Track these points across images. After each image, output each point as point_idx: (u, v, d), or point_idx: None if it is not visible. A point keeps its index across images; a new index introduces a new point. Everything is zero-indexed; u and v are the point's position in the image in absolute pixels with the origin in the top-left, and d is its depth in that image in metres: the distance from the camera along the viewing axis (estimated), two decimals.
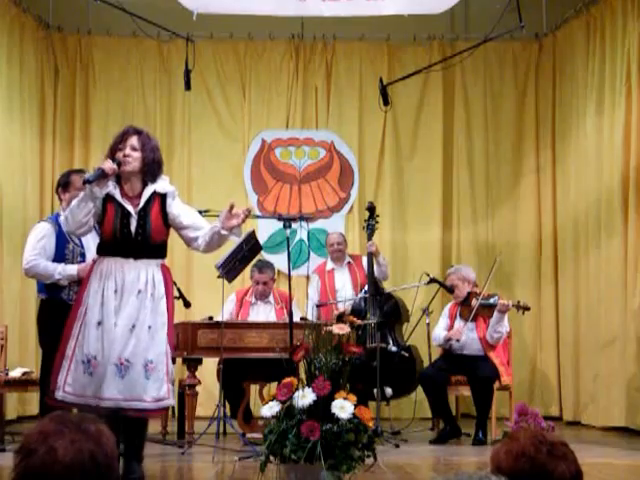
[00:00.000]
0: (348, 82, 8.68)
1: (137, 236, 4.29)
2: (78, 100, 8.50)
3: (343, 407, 3.73)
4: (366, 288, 6.94)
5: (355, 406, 3.77)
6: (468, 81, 8.68)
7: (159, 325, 4.26)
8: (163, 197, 4.38)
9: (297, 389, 3.79)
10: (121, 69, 8.60)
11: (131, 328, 4.19)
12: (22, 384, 5.92)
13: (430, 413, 6.90)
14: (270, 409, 3.81)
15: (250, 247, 5.87)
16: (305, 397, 3.72)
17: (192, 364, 5.83)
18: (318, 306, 7.01)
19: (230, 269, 5.76)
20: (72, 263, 5.04)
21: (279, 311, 6.72)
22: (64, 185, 5.23)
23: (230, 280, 5.94)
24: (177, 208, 4.41)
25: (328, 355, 3.87)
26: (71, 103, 8.51)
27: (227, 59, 8.68)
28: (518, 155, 8.63)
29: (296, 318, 5.88)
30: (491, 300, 6.38)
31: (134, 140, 4.33)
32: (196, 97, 8.43)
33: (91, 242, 5.10)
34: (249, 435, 5.98)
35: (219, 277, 5.78)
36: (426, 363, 6.87)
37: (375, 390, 6.12)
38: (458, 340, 6.37)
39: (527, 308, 6.41)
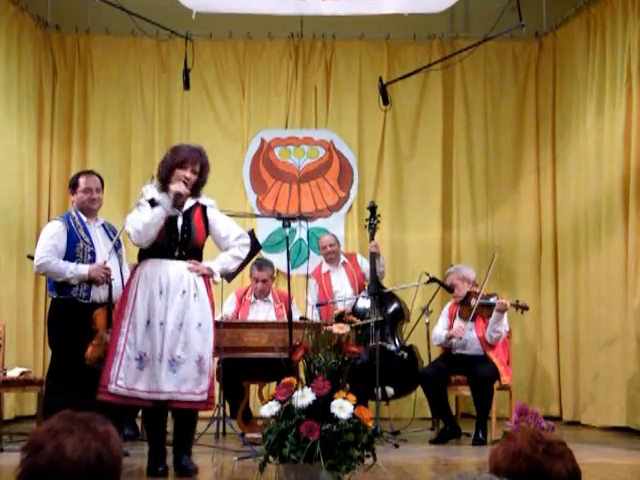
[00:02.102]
0: (347, 81, 8.67)
1: (183, 234, 4.60)
2: (76, 99, 8.49)
3: (342, 407, 3.71)
4: (366, 288, 6.93)
5: (355, 406, 3.75)
6: (468, 80, 8.66)
7: (207, 323, 4.57)
8: (204, 207, 4.75)
9: (296, 389, 3.77)
10: (120, 68, 8.59)
11: (179, 326, 4.46)
12: (20, 384, 5.90)
13: (430, 413, 6.88)
14: (269, 409, 3.79)
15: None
16: (304, 397, 3.71)
17: None
18: (318, 305, 7.00)
19: None
20: (82, 262, 5.07)
21: (278, 310, 6.71)
22: (73, 187, 5.29)
23: (229, 280, 5.93)
24: (216, 217, 4.77)
25: (327, 355, 3.85)
26: (69, 102, 8.49)
27: (226, 58, 8.67)
28: (518, 154, 8.62)
29: (296, 318, 5.86)
30: (490, 300, 6.37)
31: (197, 165, 4.64)
32: (195, 96, 8.41)
33: (101, 242, 5.21)
34: (248, 435, 5.97)
35: None
36: (426, 363, 6.86)
37: (375, 390, 6.11)
38: (460, 338, 6.35)
39: (526, 308, 6.40)
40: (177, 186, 4.55)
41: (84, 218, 5.20)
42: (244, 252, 4.85)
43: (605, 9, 7.37)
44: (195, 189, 4.67)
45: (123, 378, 4.43)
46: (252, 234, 5.94)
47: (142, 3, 7.60)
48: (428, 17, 7.94)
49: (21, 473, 1.59)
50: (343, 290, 7.17)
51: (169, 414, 4.69)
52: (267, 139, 8.62)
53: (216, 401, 5.95)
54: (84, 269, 5.02)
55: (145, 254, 4.63)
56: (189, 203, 4.69)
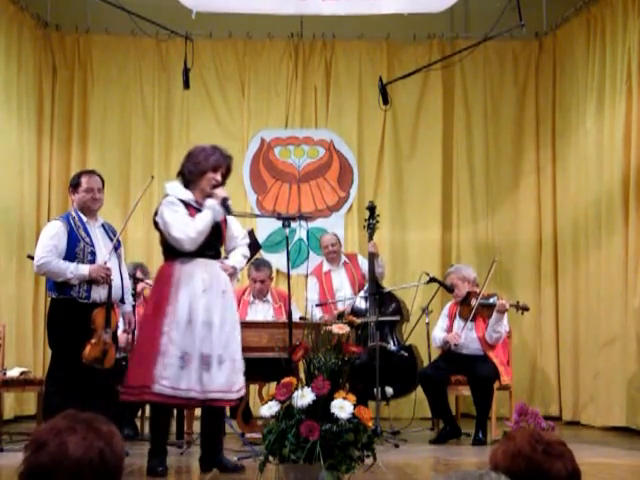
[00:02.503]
0: (347, 81, 8.66)
1: (218, 235, 4.72)
2: (76, 99, 8.48)
3: (342, 407, 3.71)
4: (366, 288, 6.92)
5: (354, 406, 3.75)
6: (468, 80, 8.66)
7: (236, 321, 4.71)
8: None
9: (296, 389, 3.77)
10: (119, 68, 8.58)
11: (221, 325, 4.55)
12: (20, 384, 5.89)
13: (430, 413, 6.88)
14: (269, 409, 3.79)
15: (249, 246, 5.84)
16: (304, 397, 3.70)
17: None
18: (318, 305, 6.99)
19: None
20: (82, 262, 5.06)
21: (277, 310, 6.70)
22: (74, 186, 5.25)
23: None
24: (230, 217, 4.86)
25: (327, 355, 3.85)
26: (69, 102, 8.49)
27: (226, 58, 8.66)
28: (518, 154, 8.62)
29: (295, 317, 5.85)
30: (490, 300, 6.36)
31: (224, 169, 4.74)
32: (195, 96, 8.41)
33: (101, 242, 5.20)
34: (248, 435, 5.96)
35: None
36: (426, 363, 6.85)
37: (375, 390, 6.10)
38: (456, 345, 6.36)
39: (526, 308, 6.39)
40: (221, 191, 4.66)
41: (84, 218, 5.19)
42: (248, 251, 5.02)
43: (605, 9, 7.37)
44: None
45: (167, 377, 4.45)
46: (252, 234, 5.94)
47: (142, 3, 7.60)
48: (428, 17, 7.93)
49: (24, 471, 1.60)
50: (343, 290, 7.17)
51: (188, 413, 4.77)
52: (267, 139, 8.62)
53: None
54: (84, 269, 5.01)
55: (176, 252, 4.65)
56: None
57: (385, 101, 7.03)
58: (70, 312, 5.00)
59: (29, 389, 6.01)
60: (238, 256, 4.87)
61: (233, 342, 4.62)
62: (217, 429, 4.77)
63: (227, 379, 4.54)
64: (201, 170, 4.66)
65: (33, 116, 8.03)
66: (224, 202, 4.64)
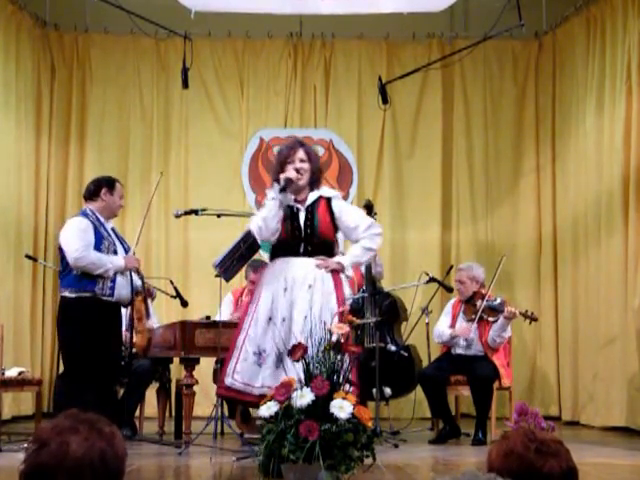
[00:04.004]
0: (347, 80, 8.65)
1: (306, 229, 4.66)
2: (75, 98, 8.47)
3: (342, 407, 3.70)
4: (364, 287, 6.89)
5: (354, 406, 3.74)
6: (467, 79, 8.65)
7: (328, 315, 4.48)
8: (329, 200, 4.76)
9: (295, 389, 3.75)
10: (118, 67, 8.57)
11: (303, 322, 4.44)
12: (18, 384, 5.88)
13: (429, 413, 6.87)
14: (268, 409, 3.78)
15: (248, 246, 5.81)
16: (304, 397, 3.69)
17: (189, 364, 5.78)
18: None
19: (227, 268, 5.71)
20: None
21: None
22: (110, 187, 5.38)
23: (228, 279, 5.88)
24: (342, 208, 4.78)
25: (327, 354, 3.84)
26: (68, 101, 8.47)
27: (225, 57, 8.65)
28: (518, 154, 8.61)
29: None
30: (495, 302, 6.31)
31: (301, 153, 4.71)
32: (194, 95, 8.39)
33: (117, 243, 5.27)
34: (247, 435, 5.94)
35: (217, 276, 5.72)
36: (425, 363, 6.83)
37: (374, 390, 6.09)
38: (466, 340, 6.32)
39: (535, 319, 6.33)
40: (287, 172, 4.62)
41: (101, 219, 5.26)
42: (375, 242, 4.79)
43: (605, 8, 7.36)
44: (313, 179, 4.72)
45: (240, 372, 4.50)
46: (251, 234, 5.91)
47: (141, 2, 7.58)
48: (427, 16, 7.93)
49: (25, 469, 1.60)
50: None
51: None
52: (266, 138, 8.61)
53: (214, 401, 5.95)
54: (120, 260, 5.11)
55: (274, 253, 4.74)
56: (312, 196, 4.73)
57: (384, 100, 7.02)
58: (91, 310, 4.98)
59: (27, 389, 6.01)
60: (356, 249, 4.75)
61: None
62: None
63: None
64: (278, 169, 4.73)
65: (31, 115, 8.02)
66: (286, 182, 4.60)
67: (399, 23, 8.17)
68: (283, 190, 4.61)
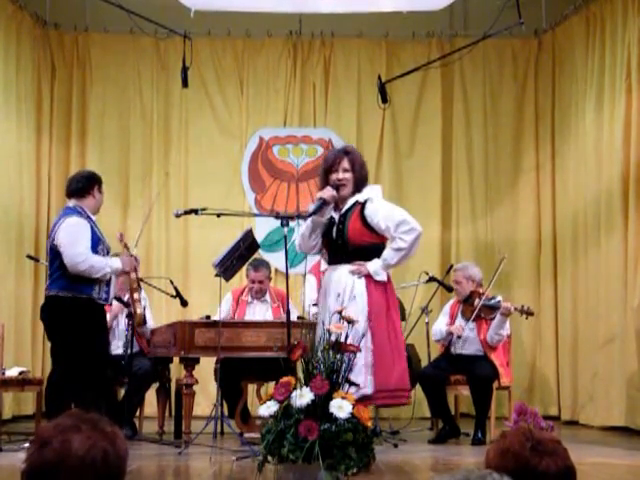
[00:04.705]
0: (346, 79, 8.64)
1: (337, 239, 4.73)
2: (75, 97, 8.47)
3: (341, 406, 3.70)
4: None
5: (353, 406, 3.74)
6: (467, 78, 8.64)
7: (362, 324, 4.46)
8: (362, 204, 4.77)
9: (295, 388, 3.76)
10: (118, 66, 8.57)
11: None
12: (19, 383, 5.88)
13: (429, 413, 6.87)
14: (268, 409, 3.78)
15: (247, 245, 5.84)
16: (303, 396, 3.70)
17: (189, 363, 5.79)
18: (315, 305, 6.95)
19: (227, 268, 5.73)
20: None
21: (275, 309, 6.68)
22: (99, 185, 5.32)
23: (227, 279, 5.90)
24: (373, 210, 4.72)
25: (326, 354, 3.84)
26: (68, 100, 8.47)
27: (225, 56, 8.65)
28: (517, 152, 8.60)
29: (294, 317, 5.84)
30: (493, 301, 6.32)
31: (345, 162, 4.73)
32: (193, 94, 8.39)
33: (106, 240, 5.29)
34: (247, 435, 5.94)
35: (216, 276, 5.74)
36: (425, 362, 6.83)
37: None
38: (459, 337, 6.32)
39: (531, 313, 6.34)
40: (321, 192, 4.70)
41: (93, 218, 5.26)
42: (406, 240, 4.71)
43: (604, 6, 7.35)
44: (356, 188, 4.75)
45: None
46: (250, 233, 5.92)
47: (141, 1, 7.57)
48: (427, 15, 7.92)
49: (27, 468, 1.60)
50: None
51: None
52: (265, 137, 8.60)
53: (214, 400, 5.95)
54: (117, 262, 5.09)
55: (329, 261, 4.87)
56: (348, 204, 4.77)
57: (384, 99, 7.02)
58: (86, 311, 4.98)
59: (28, 389, 6.00)
60: (387, 251, 4.75)
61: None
62: None
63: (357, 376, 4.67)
64: (323, 177, 4.81)
65: (32, 115, 8.02)
66: (318, 203, 4.67)
67: (399, 22, 8.17)
68: (314, 213, 4.69)
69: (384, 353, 4.65)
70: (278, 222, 5.98)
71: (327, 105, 8.65)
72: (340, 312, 3.99)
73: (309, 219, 4.70)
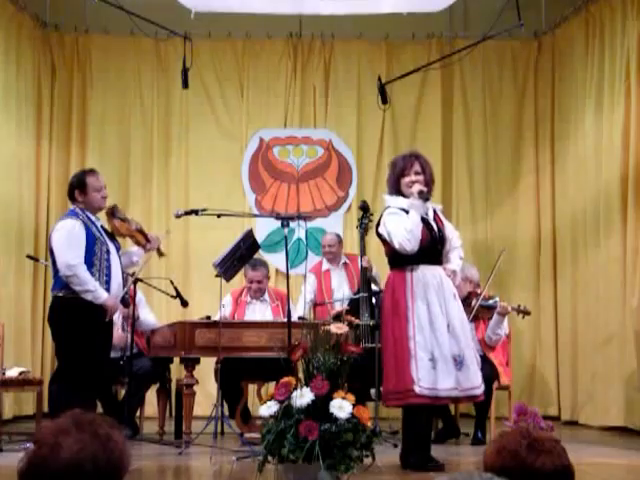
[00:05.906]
0: (346, 81, 8.65)
1: (440, 242, 4.91)
2: (75, 99, 8.47)
3: (341, 407, 3.71)
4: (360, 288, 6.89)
5: (353, 406, 3.75)
6: (467, 80, 8.65)
7: (468, 321, 5.02)
8: (434, 210, 5.05)
9: (295, 389, 3.77)
10: (118, 68, 8.58)
11: (461, 327, 4.82)
12: (19, 384, 5.88)
13: None
14: (268, 409, 3.79)
15: (248, 246, 5.85)
16: (303, 397, 3.71)
17: (190, 364, 5.80)
18: (315, 305, 6.97)
19: (228, 268, 5.74)
20: (100, 260, 5.09)
21: (275, 309, 6.69)
22: (81, 187, 5.24)
23: (228, 279, 5.91)
24: (444, 219, 5.09)
25: (326, 354, 3.85)
26: (68, 102, 8.48)
27: (225, 58, 8.66)
28: (517, 154, 8.61)
29: (294, 317, 5.85)
30: (490, 301, 6.33)
31: (417, 166, 4.90)
32: (194, 96, 8.40)
33: (108, 241, 5.23)
34: (247, 435, 5.95)
35: (217, 276, 5.75)
36: None
37: (373, 390, 6.10)
38: None
39: (527, 312, 6.36)
40: (415, 187, 4.81)
41: (92, 217, 5.23)
42: (462, 252, 5.13)
43: (604, 8, 7.36)
44: (428, 190, 4.91)
45: (422, 379, 4.66)
46: (250, 234, 5.94)
47: (141, 3, 7.58)
48: (427, 16, 7.93)
49: (21, 468, 1.60)
50: (341, 290, 7.13)
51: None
52: (266, 139, 8.62)
53: (214, 400, 5.96)
54: (103, 294, 5.03)
55: (404, 261, 4.82)
56: (429, 206, 4.98)
57: (384, 101, 7.03)
58: (88, 311, 4.98)
59: (28, 389, 6.00)
60: (456, 259, 5.00)
61: (472, 341, 4.98)
62: (430, 427, 5.13)
63: (471, 377, 4.78)
64: (394, 181, 4.92)
65: (32, 117, 8.03)
66: (420, 194, 4.78)
67: (398, 23, 8.18)
68: (427, 199, 4.85)
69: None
70: (278, 223, 6.02)
71: (327, 106, 8.66)
72: (340, 313, 4.00)
73: (416, 215, 4.78)
